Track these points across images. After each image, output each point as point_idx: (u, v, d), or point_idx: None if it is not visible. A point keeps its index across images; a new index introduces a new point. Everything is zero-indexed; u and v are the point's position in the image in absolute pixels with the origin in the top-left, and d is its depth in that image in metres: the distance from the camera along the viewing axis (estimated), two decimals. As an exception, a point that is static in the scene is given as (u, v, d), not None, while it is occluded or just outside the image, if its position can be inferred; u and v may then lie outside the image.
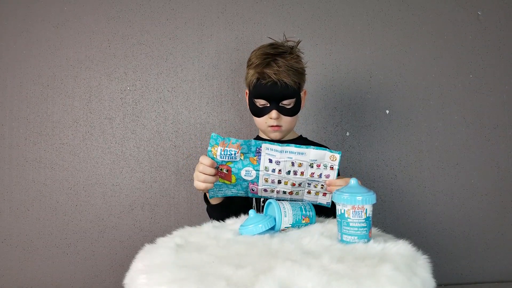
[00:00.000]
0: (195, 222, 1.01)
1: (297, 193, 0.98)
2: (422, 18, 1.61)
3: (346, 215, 0.78)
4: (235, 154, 0.93)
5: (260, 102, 1.16)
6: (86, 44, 1.53)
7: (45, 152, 1.51)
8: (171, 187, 1.53)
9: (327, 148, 0.94)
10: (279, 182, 0.96)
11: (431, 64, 1.61)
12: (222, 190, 1.00)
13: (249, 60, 1.20)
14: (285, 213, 0.87)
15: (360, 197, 0.77)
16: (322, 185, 0.96)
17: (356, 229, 0.77)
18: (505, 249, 1.61)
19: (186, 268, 0.67)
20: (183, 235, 0.86)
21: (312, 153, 0.92)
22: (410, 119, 1.60)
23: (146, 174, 1.53)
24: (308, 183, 0.96)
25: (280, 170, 0.94)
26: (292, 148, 0.92)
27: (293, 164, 0.93)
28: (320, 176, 0.94)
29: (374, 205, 0.80)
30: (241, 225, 0.86)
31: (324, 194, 0.97)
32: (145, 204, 1.52)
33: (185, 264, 0.69)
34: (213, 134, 0.93)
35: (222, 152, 0.93)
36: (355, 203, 0.77)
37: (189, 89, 1.55)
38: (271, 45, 1.19)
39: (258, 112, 1.17)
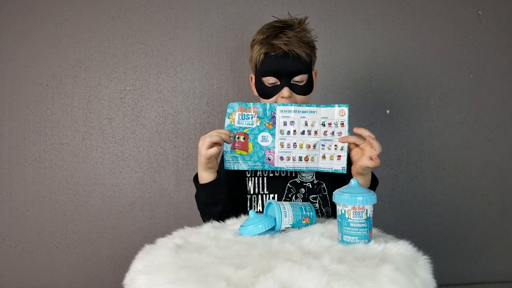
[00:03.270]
0: (195, 222, 1.01)
1: (312, 159, 1.01)
2: (422, 18, 1.61)
3: (346, 216, 0.78)
4: (252, 117, 1.00)
5: (269, 81, 1.06)
6: (85, 43, 1.53)
7: (44, 152, 1.50)
8: (171, 187, 1.53)
9: (335, 104, 1.01)
10: (295, 145, 1.00)
11: (431, 64, 1.61)
12: (238, 162, 1.02)
13: (253, 40, 1.10)
14: (285, 214, 0.87)
15: (361, 198, 0.77)
16: (335, 145, 1.00)
17: (356, 229, 0.77)
18: (505, 249, 1.61)
19: (186, 268, 0.66)
20: (183, 235, 0.86)
21: (322, 110, 1.00)
22: (410, 119, 1.59)
23: (146, 174, 1.52)
24: (322, 144, 1.00)
25: (295, 131, 1.00)
26: (304, 107, 1.01)
27: (306, 123, 1.00)
28: (332, 134, 1.00)
29: (374, 206, 0.80)
30: (241, 226, 0.86)
31: (339, 157, 1.00)
32: (144, 204, 1.52)
33: (185, 265, 0.68)
34: (230, 103, 1.02)
35: (240, 117, 1.00)
36: (355, 204, 0.77)
37: (189, 89, 1.55)
38: (276, 21, 1.10)
39: (267, 92, 1.07)
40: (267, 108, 1.01)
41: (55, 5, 1.53)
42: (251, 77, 1.16)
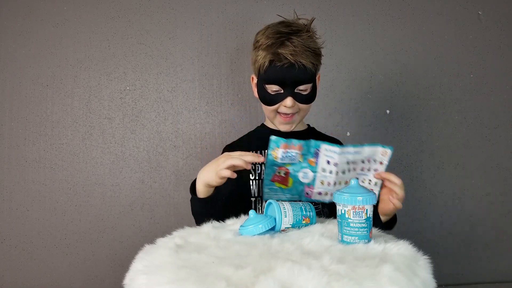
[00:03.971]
0: (194, 222, 1.01)
1: None
2: (422, 18, 1.61)
3: (346, 216, 0.78)
4: (296, 155, 0.94)
5: (273, 88, 1.04)
6: (85, 43, 1.53)
7: (44, 152, 1.50)
8: (171, 188, 1.53)
9: (378, 144, 0.95)
10: (334, 184, 0.96)
11: (431, 64, 1.61)
12: (277, 194, 0.99)
13: (257, 41, 1.07)
14: (285, 214, 0.87)
15: (361, 198, 0.77)
16: (370, 180, 0.97)
17: (356, 229, 0.77)
18: (505, 249, 1.61)
19: (186, 268, 0.66)
20: (183, 235, 0.86)
21: (366, 150, 0.94)
22: (410, 119, 1.59)
23: (146, 174, 1.52)
24: (356, 178, 0.96)
25: (337, 172, 0.95)
26: (349, 149, 0.94)
27: (348, 163, 0.95)
28: (369, 170, 0.97)
29: (374, 206, 0.80)
30: (241, 226, 0.86)
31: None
32: (144, 204, 1.52)
33: (185, 265, 0.68)
34: (272, 137, 0.92)
35: (284, 154, 0.93)
36: (355, 204, 0.77)
37: (189, 89, 1.55)
38: (282, 23, 1.06)
39: (270, 100, 1.05)
40: (312, 145, 0.95)
41: (55, 5, 1.53)
42: (252, 77, 1.15)
